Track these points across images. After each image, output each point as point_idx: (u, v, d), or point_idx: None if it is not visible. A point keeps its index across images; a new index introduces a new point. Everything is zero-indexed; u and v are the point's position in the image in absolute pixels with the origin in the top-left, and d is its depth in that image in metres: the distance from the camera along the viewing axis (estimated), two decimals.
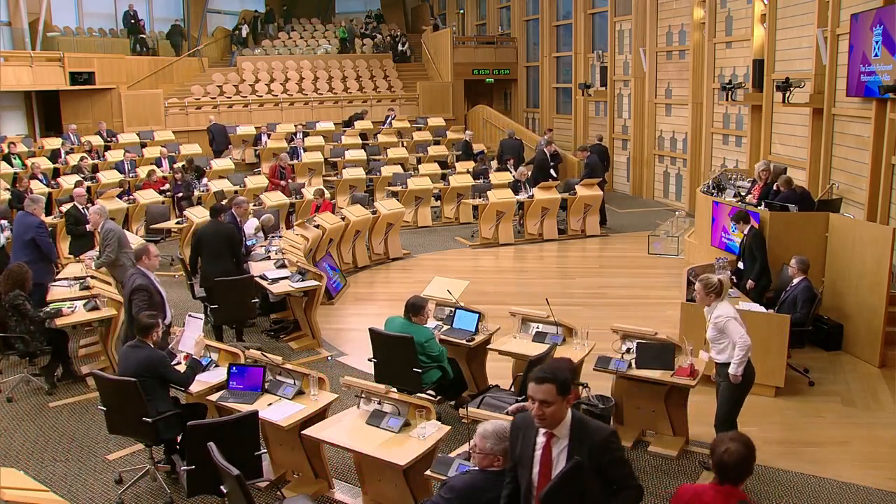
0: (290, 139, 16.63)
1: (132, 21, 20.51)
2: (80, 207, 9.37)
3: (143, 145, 16.11)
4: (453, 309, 6.52)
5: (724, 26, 13.60)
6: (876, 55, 8.49)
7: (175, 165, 14.26)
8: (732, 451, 2.92)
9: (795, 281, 6.90)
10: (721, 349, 5.04)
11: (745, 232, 7.86)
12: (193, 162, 14.37)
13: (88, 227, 8.91)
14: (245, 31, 22.40)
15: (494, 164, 15.24)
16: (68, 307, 6.83)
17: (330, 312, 8.91)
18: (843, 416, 6.16)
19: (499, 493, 3.24)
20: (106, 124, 16.52)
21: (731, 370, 4.94)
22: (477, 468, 3.43)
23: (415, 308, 5.73)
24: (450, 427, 4.67)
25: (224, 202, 9.00)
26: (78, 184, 11.94)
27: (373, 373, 5.94)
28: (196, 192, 12.90)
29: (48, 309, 6.77)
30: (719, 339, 5.03)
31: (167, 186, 12.99)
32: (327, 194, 12.01)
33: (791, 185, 8.69)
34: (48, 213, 11.54)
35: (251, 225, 9.55)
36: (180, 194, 12.60)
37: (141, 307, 5.91)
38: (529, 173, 13.46)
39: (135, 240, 9.22)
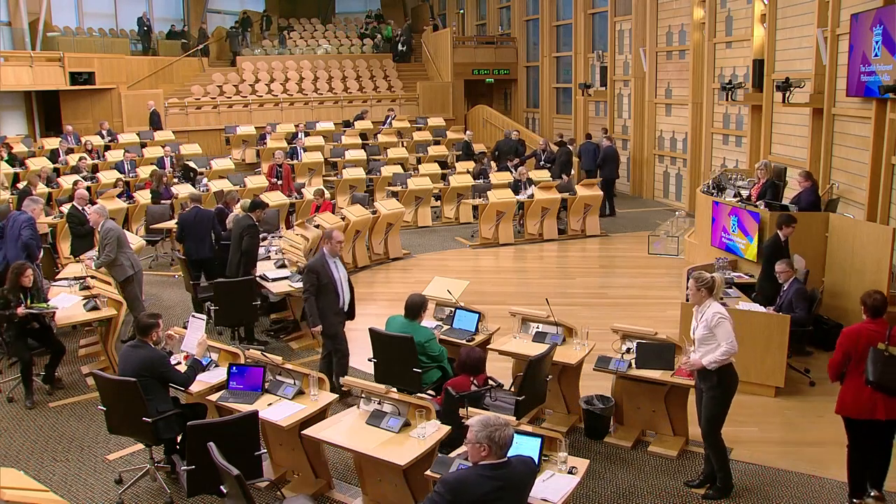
0: (292, 139, 16.62)
1: (146, 28, 20.68)
2: (79, 207, 9.39)
3: (143, 145, 16.11)
4: (453, 309, 6.52)
5: (724, 26, 13.60)
6: (876, 55, 8.48)
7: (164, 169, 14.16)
8: (878, 298, 4.71)
9: (786, 284, 6.86)
10: (708, 351, 4.84)
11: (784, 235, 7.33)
12: (181, 160, 14.37)
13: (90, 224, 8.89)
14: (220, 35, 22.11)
15: (495, 164, 15.25)
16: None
17: None
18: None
19: (491, 489, 3.20)
20: (107, 123, 16.53)
21: (705, 360, 4.78)
22: (470, 464, 3.42)
23: (414, 308, 5.75)
24: (450, 427, 4.67)
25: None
26: (76, 184, 11.93)
27: (373, 373, 5.94)
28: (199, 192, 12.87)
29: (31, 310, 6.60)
30: (709, 339, 4.83)
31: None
32: (327, 194, 11.99)
33: (810, 179, 8.52)
34: (47, 213, 11.55)
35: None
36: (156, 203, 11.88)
37: (307, 287, 6.20)
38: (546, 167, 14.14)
39: (135, 240, 9.23)
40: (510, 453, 3.35)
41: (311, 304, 6.21)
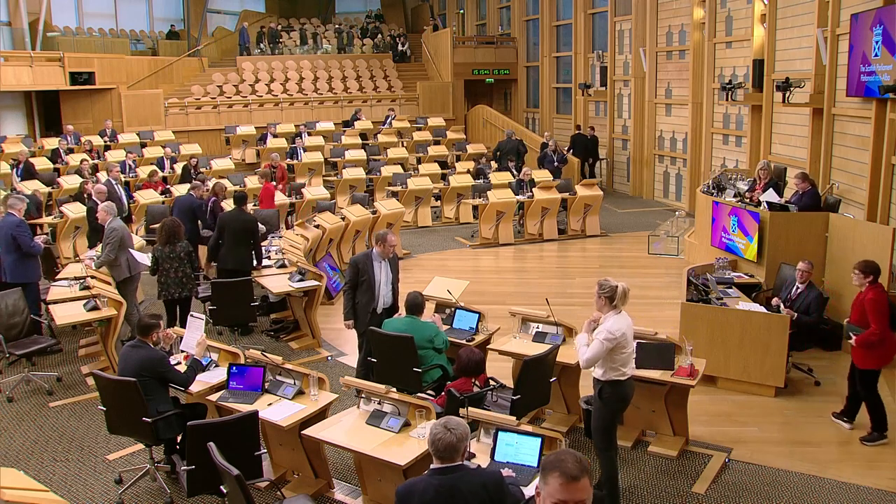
0: (293, 139, 16.61)
1: (245, 44, 21.15)
2: (96, 200, 9.44)
3: (143, 145, 16.11)
4: (453, 309, 6.52)
5: (724, 26, 13.60)
6: (876, 55, 8.48)
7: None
8: (872, 263, 5.80)
9: (803, 286, 6.79)
10: (600, 363, 4.66)
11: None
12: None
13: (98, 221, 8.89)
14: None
15: (494, 164, 15.25)
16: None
17: (330, 312, 8.90)
18: None
19: (433, 496, 3.08)
20: (111, 123, 16.53)
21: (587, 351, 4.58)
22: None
23: (415, 305, 5.81)
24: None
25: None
26: (84, 183, 11.96)
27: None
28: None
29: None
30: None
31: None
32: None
33: (808, 181, 8.43)
34: (48, 212, 11.57)
35: None
36: None
37: (346, 279, 6.42)
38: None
39: (134, 239, 9.22)
40: (518, 462, 3.21)
41: (347, 298, 6.36)
